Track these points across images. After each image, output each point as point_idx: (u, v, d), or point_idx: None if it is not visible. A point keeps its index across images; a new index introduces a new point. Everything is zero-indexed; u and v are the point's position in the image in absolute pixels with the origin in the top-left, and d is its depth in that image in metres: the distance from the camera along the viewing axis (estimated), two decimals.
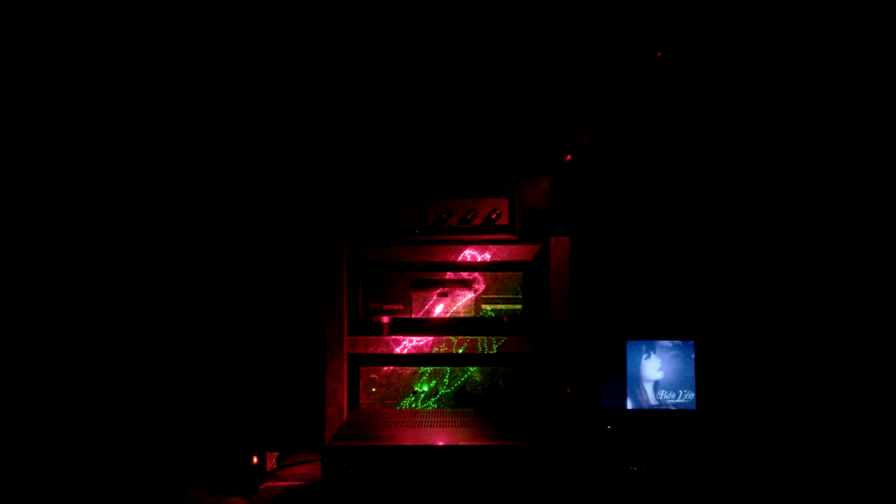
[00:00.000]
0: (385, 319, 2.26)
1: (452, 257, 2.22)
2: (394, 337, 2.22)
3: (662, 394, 2.26)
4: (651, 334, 2.30)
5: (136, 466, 2.23)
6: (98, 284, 2.39)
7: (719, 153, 2.48)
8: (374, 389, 2.24)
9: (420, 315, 2.26)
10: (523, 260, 2.22)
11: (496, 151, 2.50)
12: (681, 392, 2.26)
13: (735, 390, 2.39)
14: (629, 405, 2.27)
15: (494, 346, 2.20)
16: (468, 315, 2.25)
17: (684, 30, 2.46)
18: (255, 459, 2.10)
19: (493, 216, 2.27)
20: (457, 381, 2.24)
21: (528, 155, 2.50)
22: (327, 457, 1.69)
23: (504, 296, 2.26)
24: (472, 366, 2.25)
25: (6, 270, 2.28)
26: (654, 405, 2.27)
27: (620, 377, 2.28)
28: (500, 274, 2.26)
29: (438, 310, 2.25)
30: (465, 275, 2.26)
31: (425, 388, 2.25)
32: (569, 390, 2.09)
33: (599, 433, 2.24)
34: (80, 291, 2.38)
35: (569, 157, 2.30)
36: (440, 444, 1.71)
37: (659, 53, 2.30)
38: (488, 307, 2.26)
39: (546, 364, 2.15)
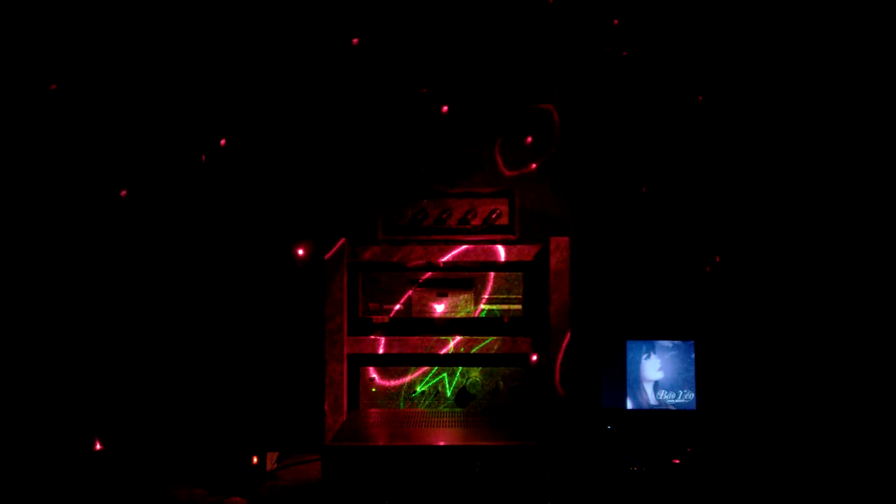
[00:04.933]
0: (385, 319, 2.26)
1: (452, 257, 2.22)
2: (393, 337, 2.22)
3: (662, 394, 2.26)
4: (651, 334, 2.30)
5: (136, 466, 2.23)
6: (98, 283, 2.39)
7: (718, 155, 2.48)
8: (374, 389, 2.24)
9: (420, 315, 2.25)
10: (523, 260, 2.22)
11: (497, 151, 2.50)
12: (681, 392, 2.26)
13: (735, 390, 2.39)
14: (629, 405, 2.27)
15: (494, 346, 2.20)
16: (468, 315, 2.25)
17: (684, 28, 2.47)
18: (255, 459, 2.10)
19: (493, 216, 2.27)
20: (457, 381, 2.24)
21: (528, 155, 2.50)
22: (327, 457, 1.69)
23: (504, 296, 2.26)
24: (472, 366, 2.25)
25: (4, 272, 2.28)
26: (654, 405, 2.27)
27: (620, 377, 2.28)
28: (500, 274, 2.26)
29: (438, 310, 2.25)
30: (465, 275, 2.26)
31: (425, 388, 2.25)
32: (562, 391, 2.08)
33: (599, 433, 2.24)
34: (79, 290, 2.38)
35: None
36: (440, 444, 1.71)
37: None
38: (488, 307, 2.26)
39: (546, 364, 2.15)
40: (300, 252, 2.40)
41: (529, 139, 2.46)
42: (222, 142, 2.33)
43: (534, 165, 2.45)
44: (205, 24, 2.44)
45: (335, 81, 2.49)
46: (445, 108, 2.46)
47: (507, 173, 2.48)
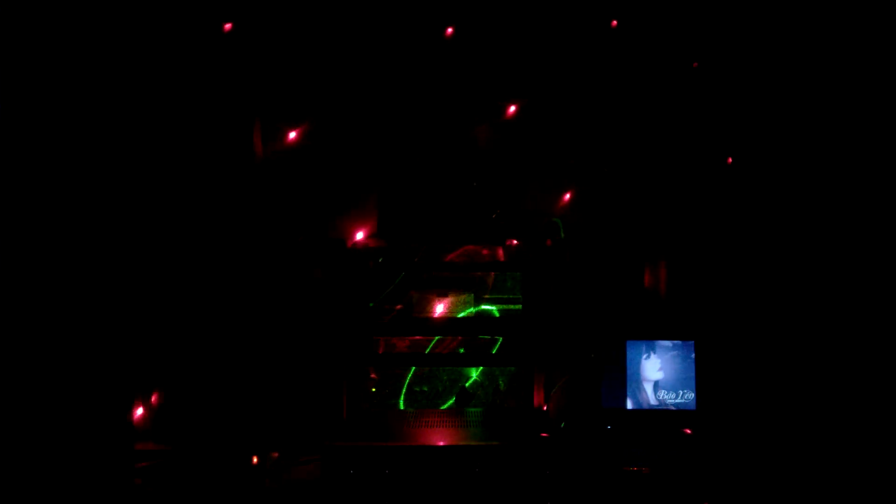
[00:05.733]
0: (385, 319, 2.26)
1: (452, 257, 2.22)
2: (394, 337, 2.22)
3: (662, 394, 2.26)
4: (651, 334, 2.30)
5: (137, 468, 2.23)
6: (96, 283, 2.39)
7: (718, 152, 2.48)
8: (374, 389, 2.24)
9: (420, 315, 2.26)
10: (523, 260, 2.22)
11: (497, 151, 2.50)
12: (681, 392, 2.26)
13: (735, 390, 2.39)
14: (629, 405, 2.27)
15: (494, 346, 2.20)
16: (468, 315, 2.26)
17: (683, 29, 2.47)
18: (255, 459, 2.10)
19: (494, 216, 2.27)
20: (457, 381, 2.24)
21: (528, 155, 2.50)
22: (327, 457, 1.69)
23: (504, 296, 2.26)
24: (472, 366, 2.25)
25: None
26: (654, 405, 2.27)
27: (620, 377, 2.28)
28: (500, 274, 2.26)
29: (439, 310, 2.26)
30: (465, 275, 2.26)
31: (425, 388, 2.25)
32: (561, 391, 2.09)
33: (599, 433, 2.24)
34: (78, 289, 2.37)
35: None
36: (440, 444, 1.71)
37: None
38: (488, 307, 2.26)
39: (546, 364, 2.15)
40: (302, 251, 2.41)
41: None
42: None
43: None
44: (207, 22, 2.44)
45: (343, 84, 2.48)
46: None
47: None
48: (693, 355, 2.27)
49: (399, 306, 2.26)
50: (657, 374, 2.27)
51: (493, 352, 2.21)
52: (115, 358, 2.38)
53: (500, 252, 2.22)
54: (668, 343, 2.28)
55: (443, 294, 2.26)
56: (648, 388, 2.27)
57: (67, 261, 2.36)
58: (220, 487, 2.05)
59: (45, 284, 2.33)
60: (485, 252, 2.23)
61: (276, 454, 2.24)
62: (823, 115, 2.41)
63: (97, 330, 2.38)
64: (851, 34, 2.35)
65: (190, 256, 2.46)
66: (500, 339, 2.21)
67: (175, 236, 2.46)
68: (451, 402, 2.24)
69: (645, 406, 2.27)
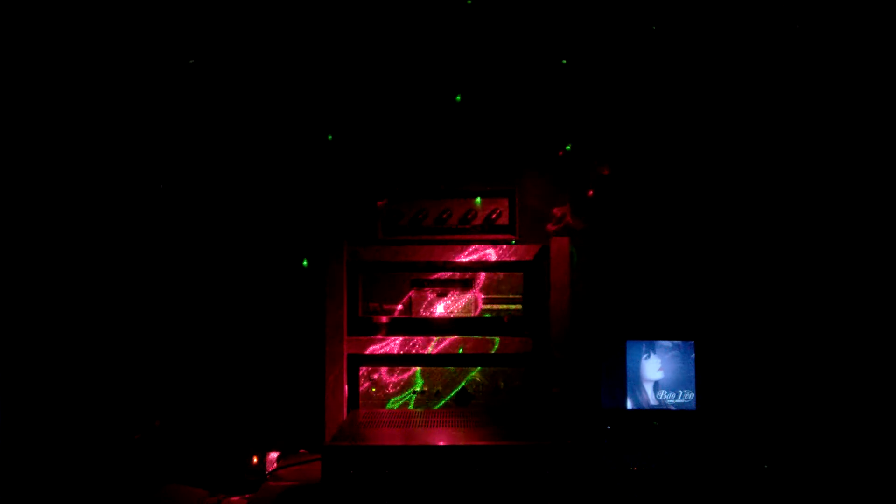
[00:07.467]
0: (385, 319, 2.26)
1: (452, 257, 2.22)
2: (393, 337, 2.22)
3: (662, 394, 2.27)
4: (651, 334, 2.30)
5: (137, 467, 2.23)
6: (98, 284, 2.39)
7: (719, 153, 2.48)
8: (374, 389, 2.24)
9: (420, 315, 2.25)
10: (523, 260, 2.22)
11: (496, 151, 2.50)
12: (681, 392, 2.26)
13: (735, 390, 2.39)
14: (629, 405, 2.27)
15: (494, 347, 2.20)
16: (468, 315, 2.25)
17: (682, 29, 2.47)
18: (255, 459, 2.10)
19: (493, 216, 2.27)
20: (457, 381, 2.24)
21: (527, 154, 2.50)
22: (327, 457, 1.69)
23: (504, 296, 2.26)
24: (472, 366, 2.25)
25: (6, 271, 2.28)
26: (654, 405, 2.27)
27: (620, 377, 2.28)
28: (500, 274, 2.26)
29: (438, 310, 2.25)
30: (465, 275, 2.26)
31: (425, 388, 2.25)
32: (555, 390, 2.08)
33: (599, 433, 2.24)
34: (81, 291, 2.38)
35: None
36: (440, 444, 1.71)
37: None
38: (488, 307, 2.26)
39: (546, 364, 2.15)
40: (300, 252, 2.40)
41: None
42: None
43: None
44: (205, 23, 2.44)
45: (334, 82, 2.48)
46: None
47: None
48: (693, 355, 2.27)
49: (400, 306, 2.26)
50: (657, 374, 2.27)
51: (493, 352, 2.21)
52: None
53: (499, 251, 2.22)
54: (668, 343, 2.28)
55: (443, 294, 2.26)
56: (648, 388, 2.27)
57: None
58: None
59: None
60: (484, 251, 2.23)
61: (276, 454, 2.24)
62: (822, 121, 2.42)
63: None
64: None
65: (194, 261, 2.46)
66: (501, 338, 2.21)
67: (176, 240, 2.46)
68: (451, 402, 2.24)
69: (645, 406, 2.27)
